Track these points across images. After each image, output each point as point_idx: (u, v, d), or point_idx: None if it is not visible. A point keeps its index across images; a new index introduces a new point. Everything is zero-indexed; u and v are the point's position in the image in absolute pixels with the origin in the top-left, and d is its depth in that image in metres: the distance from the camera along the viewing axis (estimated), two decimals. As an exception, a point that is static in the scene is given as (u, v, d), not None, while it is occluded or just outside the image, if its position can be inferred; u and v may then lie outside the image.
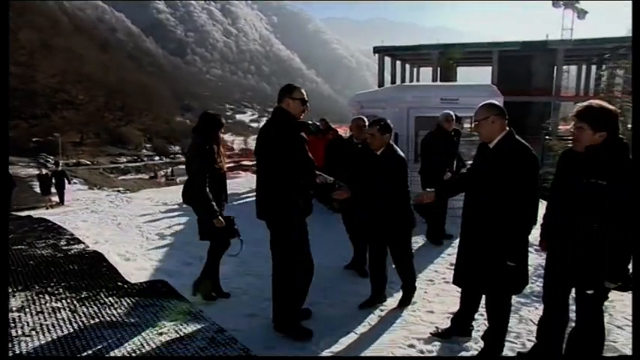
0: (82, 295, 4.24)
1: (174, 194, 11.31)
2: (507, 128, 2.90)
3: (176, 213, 8.71)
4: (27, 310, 3.91)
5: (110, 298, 4.19)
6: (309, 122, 11.25)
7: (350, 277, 4.91)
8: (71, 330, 3.53)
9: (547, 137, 13.96)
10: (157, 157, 55.76)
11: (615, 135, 2.48)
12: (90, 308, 3.96)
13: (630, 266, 2.45)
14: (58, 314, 3.83)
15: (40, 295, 4.25)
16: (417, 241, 5.83)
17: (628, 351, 3.09)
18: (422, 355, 3.09)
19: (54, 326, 3.59)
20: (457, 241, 3.28)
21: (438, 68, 34.09)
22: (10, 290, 4.27)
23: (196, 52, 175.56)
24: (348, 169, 4.35)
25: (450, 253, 5.32)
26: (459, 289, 3.32)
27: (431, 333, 3.45)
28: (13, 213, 10.15)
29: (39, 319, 3.73)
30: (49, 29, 67.64)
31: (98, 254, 5.55)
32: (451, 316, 3.49)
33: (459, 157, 6.14)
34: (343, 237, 5.32)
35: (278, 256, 3.44)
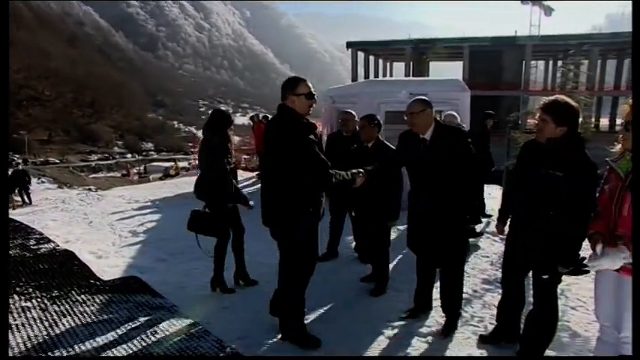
0: (53, 294, 4.21)
1: (147, 191, 11.20)
2: (434, 118, 3.37)
3: (149, 210, 8.63)
4: (-5, 309, 3.86)
5: (82, 296, 4.17)
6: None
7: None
8: (42, 328, 3.51)
9: (513, 130, 14.38)
10: (129, 155, 54.68)
11: (575, 130, 2.64)
12: (61, 306, 3.93)
13: (582, 252, 2.62)
14: (28, 313, 3.79)
15: (9, 295, 4.20)
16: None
17: (580, 329, 3.28)
18: (419, 355, 3.15)
19: (24, 325, 3.56)
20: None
21: (411, 63, 34.47)
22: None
23: (168, 47, 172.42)
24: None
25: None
26: None
27: (401, 317, 3.62)
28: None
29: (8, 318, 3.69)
30: (12, 23, 65.31)
31: (69, 253, 5.48)
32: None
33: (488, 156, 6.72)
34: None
35: (281, 258, 3.24)
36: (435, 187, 3.23)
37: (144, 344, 3.30)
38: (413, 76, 33.36)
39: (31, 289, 4.34)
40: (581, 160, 2.58)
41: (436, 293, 3.70)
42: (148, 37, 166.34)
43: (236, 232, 4.43)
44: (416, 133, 3.33)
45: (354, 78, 33.66)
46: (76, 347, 3.24)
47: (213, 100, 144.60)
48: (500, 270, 4.16)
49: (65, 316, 3.74)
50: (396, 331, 3.47)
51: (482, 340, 3.19)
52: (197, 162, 4.64)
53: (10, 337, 3.36)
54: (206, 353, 3.19)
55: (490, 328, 3.35)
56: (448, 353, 3.14)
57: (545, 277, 2.74)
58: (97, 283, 4.53)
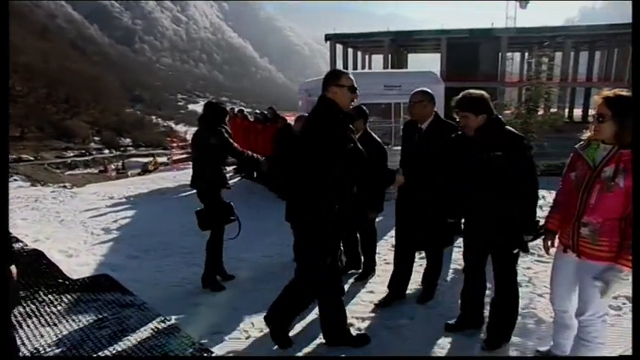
0: (19, 295, 4.11)
1: (122, 188, 11.02)
2: (435, 112, 3.51)
3: (123, 207, 8.51)
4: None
5: (49, 296, 4.09)
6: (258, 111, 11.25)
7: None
8: (6, 330, 3.43)
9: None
10: (106, 151, 53.65)
11: (492, 114, 2.87)
12: (27, 307, 3.85)
13: (541, 220, 2.78)
14: (-8, 315, 3.69)
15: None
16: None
17: (545, 316, 3.36)
18: (417, 355, 3.17)
19: (-13, 327, 3.47)
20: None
21: (390, 55, 34.57)
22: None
23: (145, 40, 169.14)
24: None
25: (393, 235, 5.51)
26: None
27: (375, 304, 3.74)
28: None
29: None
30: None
31: (37, 252, 5.36)
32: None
33: None
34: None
35: (308, 257, 3.05)
36: (426, 177, 3.38)
37: (111, 343, 3.26)
38: (392, 68, 33.45)
39: (-4, 290, 4.23)
40: (510, 137, 2.80)
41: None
42: (124, 31, 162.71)
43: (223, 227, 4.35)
44: (416, 123, 3.56)
45: (333, 71, 33.58)
46: (40, 349, 3.18)
47: (191, 94, 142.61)
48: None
49: (31, 317, 3.67)
50: (367, 323, 3.50)
51: (448, 329, 3.25)
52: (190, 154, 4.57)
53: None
54: (175, 350, 3.17)
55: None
56: (419, 344, 3.17)
57: (515, 251, 2.87)
58: (66, 282, 4.45)
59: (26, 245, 5.72)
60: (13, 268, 2.30)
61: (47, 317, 3.67)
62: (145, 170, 26.32)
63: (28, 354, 3.11)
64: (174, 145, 25.53)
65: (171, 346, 3.22)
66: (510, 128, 2.91)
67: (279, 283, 4.25)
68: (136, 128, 67.17)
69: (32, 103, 55.92)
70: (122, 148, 54.86)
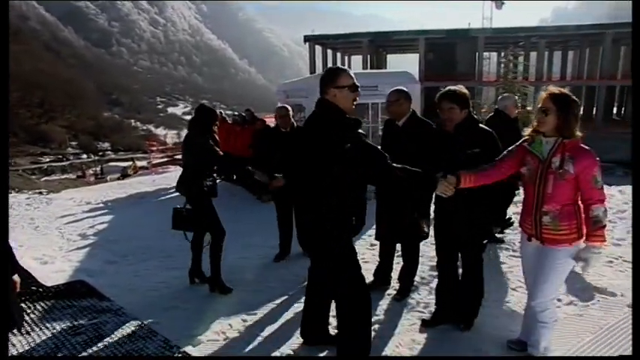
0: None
1: (99, 193, 10.87)
2: (411, 109, 3.66)
3: (100, 212, 8.39)
4: None
5: (22, 304, 4.02)
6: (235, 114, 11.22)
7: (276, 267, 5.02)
8: (-23, 339, 3.36)
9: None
10: (84, 155, 52.69)
11: (470, 111, 3.06)
12: (-1, 315, 3.77)
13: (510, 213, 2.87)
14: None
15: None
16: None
17: (518, 309, 3.45)
18: (413, 355, 3.15)
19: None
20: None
21: (368, 56, 34.79)
22: None
23: (122, 42, 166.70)
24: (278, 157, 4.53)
25: (370, 234, 5.58)
26: (377, 262, 4.12)
27: None
28: None
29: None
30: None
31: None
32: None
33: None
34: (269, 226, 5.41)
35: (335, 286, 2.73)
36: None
37: (87, 349, 3.22)
38: (371, 68, 33.65)
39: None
40: (484, 134, 3.02)
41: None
42: (101, 33, 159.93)
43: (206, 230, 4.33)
44: (394, 121, 3.70)
45: (312, 72, 33.66)
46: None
47: (171, 97, 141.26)
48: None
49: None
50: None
51: (425, 324, 3.33)
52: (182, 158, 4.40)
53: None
54: (152, 354, 3.15)
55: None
56: (394, 339, 3.22)
57: (485, 241, 3.05)
58: (40, 289, 4.37)
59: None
60: (16, 277, 2.26)
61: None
62: (124, 175, 25.93)
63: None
64: (154, 148, 25.22)
65: (148, 350, 3.20)
66: (483, 126, 3.11)
67: (258, 284, 4.34)
68: (115, 132, 66.20)
69: (5, 108, 54.53)
70: (100, 153, 53.96)
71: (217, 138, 4.16)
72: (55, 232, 6.95)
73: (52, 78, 68.21)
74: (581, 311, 3.47)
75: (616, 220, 6.31)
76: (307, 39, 35.73)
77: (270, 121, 10.90)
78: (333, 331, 3.25)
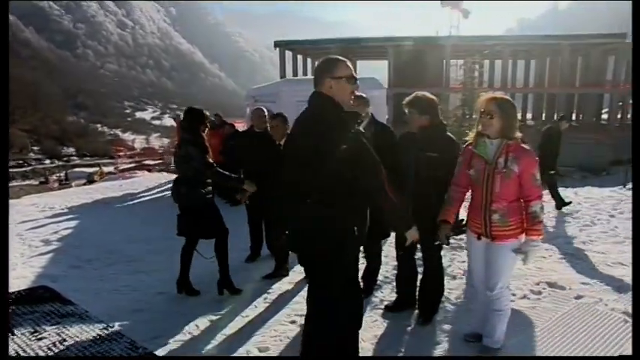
0: None
1: (63, 198, 10.62)
2: (370, 113, 3.72)
3: (65, 218, 8.21)
4: None
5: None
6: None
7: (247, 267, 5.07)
8: None
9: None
10: (47, 161, 51.02)
11: (436, 117, 3.22)
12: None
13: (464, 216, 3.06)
14: None
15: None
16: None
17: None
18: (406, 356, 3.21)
19: None
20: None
21: (338, 62, 35.10)
22: None
23: (88, 45, 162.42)
24: (250, 160, 4.75)
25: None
26: None
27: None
28: None
29: None
30: None
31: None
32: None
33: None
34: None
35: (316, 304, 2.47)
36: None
37: (50, 353, 3.20)
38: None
39: None
40: (447, 141, 3.20)
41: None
42: (65, 35, 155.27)
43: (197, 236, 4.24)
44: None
45: (282, 77, 33.70)
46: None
47: (139, 102, 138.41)
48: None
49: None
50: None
51: (387, 309, 3.60)
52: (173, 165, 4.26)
53: None
54: (118, 355, 3.16)
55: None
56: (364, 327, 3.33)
57: (437, 242, 3.15)
58: None
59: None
60: None
61: (-20, 331, 3.53)
62: (90, 180, 25.27)
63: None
64: (122, 154, 24.73)
65: (114, 352, 3.19)
66: (450, 134, 3.27)
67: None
68: (80, 137, 64.45)
69: (-38, 112, 52.31)
70: (65, 158, 52.39)
71: (207, 144, 4.02)
72: (15, 239, 6.75)
73: (13, 80, 65.89)
74: (534, 304, 3.67)
75: (569, 219, 6.65)
76: (277, 44, 35.75)
77: (240, 126, 10.94)
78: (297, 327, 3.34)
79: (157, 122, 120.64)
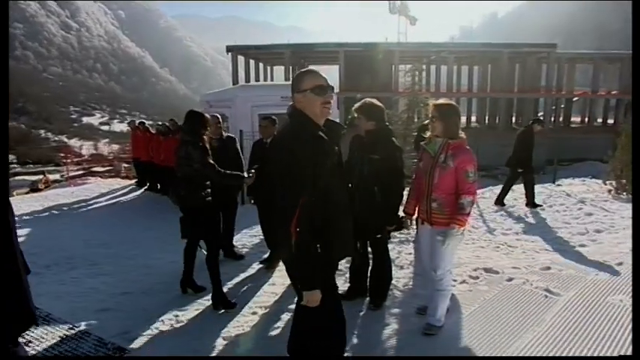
0: None
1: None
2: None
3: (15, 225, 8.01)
4: None
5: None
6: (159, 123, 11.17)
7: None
8: None
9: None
10: (-16, 169, 47.89)
11: (382, 123, 3.53)
12: None
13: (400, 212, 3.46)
14: None
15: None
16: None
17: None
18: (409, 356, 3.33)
19: None
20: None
21: (290, 67, 35.45)
22: None
23: (28, 46, 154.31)
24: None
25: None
26: None
27: None
28: None
29: None
30: None
31: None
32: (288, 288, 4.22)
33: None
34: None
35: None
36: None
37: (15, 354, 3.28)
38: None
39: None
40: (390, 146, 3.52)
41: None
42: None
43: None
44: None
45: (235, 82, 33.60)
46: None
47: (86, 106, 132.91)
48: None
49: None
50: (268, 309, 3.90)
51: (342, 298, 3.81)
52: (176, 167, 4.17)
53: None
54: (87, 352, 3.28)
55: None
56: None
57: (378, 236, 3.54)
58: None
59: None
60: None
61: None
62: (34, 189, 24.18)
63: None
64: (69, 161, 23.83)
65: (82, 349, 3.32)
66: (394, 139, 3.62)
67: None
68: (21, 143, 61.10)
69: None
70: (4, 166, 49.40)
71: (207, 146, 4.06)
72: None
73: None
74: (471, 287, 4.11)
75: (506, 213, 7.28)
76: (230, 49, 35.62)
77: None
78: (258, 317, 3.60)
79: (105, 128, 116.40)
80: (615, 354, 2.92)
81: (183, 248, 4.32)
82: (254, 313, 3.82)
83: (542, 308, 3.59)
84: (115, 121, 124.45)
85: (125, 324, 3.67)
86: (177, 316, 3.82)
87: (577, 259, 4.86)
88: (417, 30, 41.69)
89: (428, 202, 3.15)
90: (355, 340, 3.23)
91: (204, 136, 4.04)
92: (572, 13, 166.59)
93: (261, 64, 40.67)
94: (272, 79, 41.17)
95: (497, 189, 8.99)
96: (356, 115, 3.56)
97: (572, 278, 4.20)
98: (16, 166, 47.13)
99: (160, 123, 11.35)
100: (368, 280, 3.88)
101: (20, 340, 3.43)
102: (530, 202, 7.57)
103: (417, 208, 3.36)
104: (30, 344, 3.41)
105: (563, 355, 2.93)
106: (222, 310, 3.90)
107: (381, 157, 3.40)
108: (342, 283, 4.27)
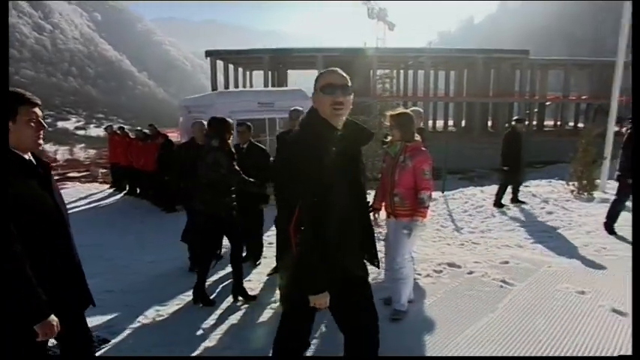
0: None
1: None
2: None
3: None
4: None
5: None
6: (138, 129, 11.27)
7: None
8: None
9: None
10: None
11: None
12: None
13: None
14: None
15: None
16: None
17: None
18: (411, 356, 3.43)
19: None
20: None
21: (269, 72, 35.73)
22: None
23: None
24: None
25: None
26: None
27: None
28: None
29: None
30: None
31: None
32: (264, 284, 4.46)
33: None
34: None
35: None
36: None
37: None
38: (272, 84, 34.58)
39: None
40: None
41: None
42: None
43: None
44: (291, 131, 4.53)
45: (214, 87, 33.72)
46: None
47: (61, 110, 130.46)
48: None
49: None
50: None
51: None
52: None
53: None
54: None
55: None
56: (256, 326, 3.79)
57: None
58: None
59: None
60: None
61: None
62: (8, 194, 23.77)
63: None
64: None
65: (67, 343, 3.51)
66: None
67: (167, 283, 4.77)
68: (-7, 149, 59.56)
69: None
70: (-24, 172, 48.20)
71: (233, 150, 4.17)
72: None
73: None
74: (435, 280, 4.44)
75: (474, 212, 7.67)
76: (209, 54, 35.74)
77: (173, 136, 11.16)
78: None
79: (81, 132, 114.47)
80: (559, 332, 3.27)
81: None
82: (228, 307, 4.06)
83: (496, 297, 3.94)
84: (92, 125, 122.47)
85: (108, 319, 3.86)
86: (158, 310, 4.03)
87: (534, 253, 5.26)
88: (396, 35, 42.47)
89: (391, 197, 3.54)
90: (324, 329, 3.50)
91: (229, 141, 4.14)
92: (547, 25, 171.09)
93: (240, 69, 40.85)
94: (251, 84, 41.39)
95: (469, 191, 9.43)
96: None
97: (527, 270, 4.58)
98: (-12, 171, 46.07)
99: (138, 128, 11.45)
100: None
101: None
102: (498, 203, 7.96)
103: (383, 204, 3.72)
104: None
105: (562, 355, 3.25)
106: (201, 305, 4.13)
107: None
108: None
